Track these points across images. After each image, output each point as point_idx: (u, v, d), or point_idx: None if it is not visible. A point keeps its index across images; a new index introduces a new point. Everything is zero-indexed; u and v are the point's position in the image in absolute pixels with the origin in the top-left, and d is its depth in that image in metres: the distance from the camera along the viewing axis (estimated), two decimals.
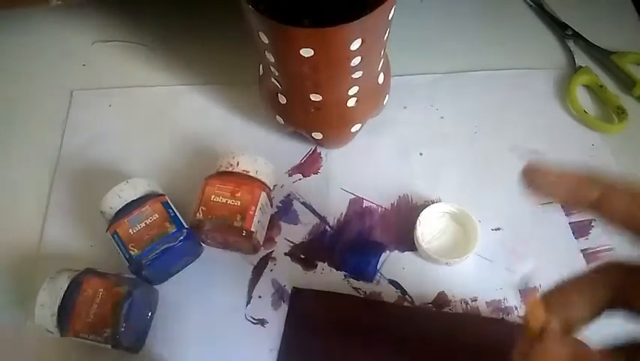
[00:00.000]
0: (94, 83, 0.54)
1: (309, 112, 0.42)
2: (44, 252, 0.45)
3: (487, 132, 0.49)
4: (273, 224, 0.45)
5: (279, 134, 0.49)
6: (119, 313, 0.37)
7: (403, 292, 0.42)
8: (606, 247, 0.43)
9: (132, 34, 0.57)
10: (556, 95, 0.51)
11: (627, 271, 0.21)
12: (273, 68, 0.39)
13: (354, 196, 0.46)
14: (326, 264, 0.43)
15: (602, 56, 0.52)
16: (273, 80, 0.42)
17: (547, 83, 0.52)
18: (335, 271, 0.43)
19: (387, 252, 0.44)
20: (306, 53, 0.35)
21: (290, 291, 0.42)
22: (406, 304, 0.42)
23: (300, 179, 0.47)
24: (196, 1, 0.58)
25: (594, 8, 0.56)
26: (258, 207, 0.40)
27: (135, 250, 0.38)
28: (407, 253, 0.43)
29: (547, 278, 0.42)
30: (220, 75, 0.53)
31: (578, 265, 0.42)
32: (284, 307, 0.42)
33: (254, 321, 0.41)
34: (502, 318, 0.40)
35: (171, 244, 0.39)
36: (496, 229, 0.44)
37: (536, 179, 0.23)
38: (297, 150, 0.49)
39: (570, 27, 0.54)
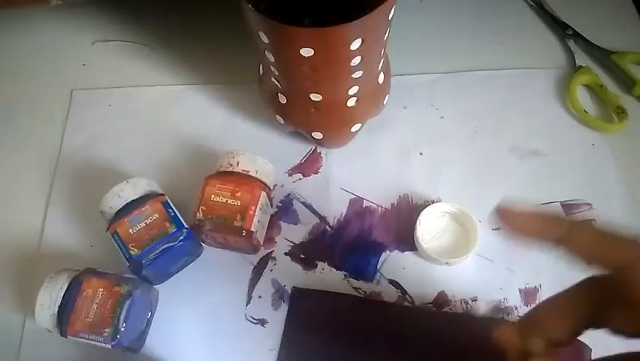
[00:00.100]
0: (94, 83, 0.54)
1: (309, 112, 0.42)
2: (44, 252, 0.45)
3: (487, 132, 0.49)
4: (273, 224, 0.45)
5: (279, 134, 0.49)
6: (119, 313, 0.37)
7: (403, 292, 0.42)
8: None
9: (132, 34, 0.57)
10: (557, 95, 0.51)
11: (602, 284, 0.22)
12: (273, 68, 0.39)
13: (354, 196, 0.46)
14: (326, 264, 0.43)
15: (602, 56, 0.52)
16: (273, 79, 0.42)
17: (547, 83, 0.52)
18: (335, 271, 0.43)
19: (388, 252, 0.44)
20: (306, 52, 0.35)
21: (290, 291, 0.42)
22: (406, 304, 0.42)
23: (300, 179, 0.47)
24: (196, 1, 0.58)
25: (594, 8, 0.56)
26: (258, 207, 0.40)
27: (135, 250, 0.38)
28: (407, 253, 0.43)
29: (547, 278, 0.42)
30: (220, 75, 0.53)
31: (578, 265, 0.42)
32: (284, 307, 0.42)
33: (254, 321, 0.41)
34: (502, 318, 0.40)
35: (171, 244, 0.39)
36: (496, 229, 0.44)
37: (508, 219, 0.25)
38: (297, 150, 0.49)
39: (570, 27, 0.54)
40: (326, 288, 0.42)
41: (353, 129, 0.45)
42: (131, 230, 0.39)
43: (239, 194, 0.40)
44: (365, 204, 0.46)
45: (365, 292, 0.42)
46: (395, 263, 0.43)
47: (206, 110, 0.51)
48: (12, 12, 0.58)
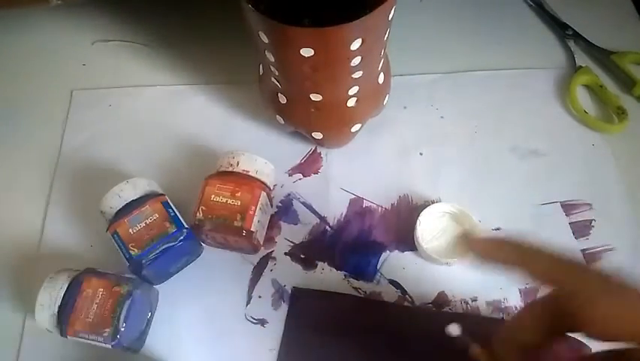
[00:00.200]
0: (94, 83, 0.54)
1: (309, 112, 0.42)
2: (44, 252, 0.45)
3: (487, 132, 0.49)
4: (273, 224, 0.45)
5: (279, 134, 0.49)
6: (119, 313, 0.37)
7: (403, 292, 0.42)
8: (606, 247, 0.43)
9: (132, 34, 0.57)
10: (557, 95, 0.51)
11: (555, 301, 0.25)
12: (273, 68, 0.39)
13: (354, 196, 0.46)
14: (326, 264, 0.43)
15: (602, 56, 0.52)
16: (273, 79, 0.42)
17: (547, 83, 0.52)
18: (335, 271, 0.43)
19: (388, 252, 0.44)
20: (306, 52, 0.35)
21: (290, 291, 0.42)
22: (406, 304, 0.42)
23: (300, 179, 0.47)
24: (196, 1, 0.58)
25: (594, 8, 0.56)
26: (258, 207, 0.40)
27: (135, 250, 0.38)
28: (407, 253, 0.43)
29: None
30: (220, 75, 0.53)
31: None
32: (284, 307, 0.42)
33: (254, 321, 0.41)
34: (502, 318, 0.40)
35: (171, 244, 0.39)
36: (496, 229, 0.44)
37: (473, 246, 0.28)
38: (297, 150, 0.49)
39: (570, 27, 0.54)
40: (326, 288, 0.42)
41: (353, 129, 0.45)
42: (131, 230, 0.39)
43: (239, 194, 0.40)
44: (365, 204, 0.46)
45: (365, 292, 0.42)
46: (395, 263, 0.43)
47: (206, 110, 0.51)
48: (12, 12, 0.58)
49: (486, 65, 0.53)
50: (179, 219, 0.40)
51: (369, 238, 0.44)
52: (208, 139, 0.50)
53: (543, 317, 0.25)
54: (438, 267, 0.43)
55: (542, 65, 0.53)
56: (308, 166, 0.48)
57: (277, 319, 0.41)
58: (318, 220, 0.45)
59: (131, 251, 0.38)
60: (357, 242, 0.44)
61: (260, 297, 0.42)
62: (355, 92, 0.41)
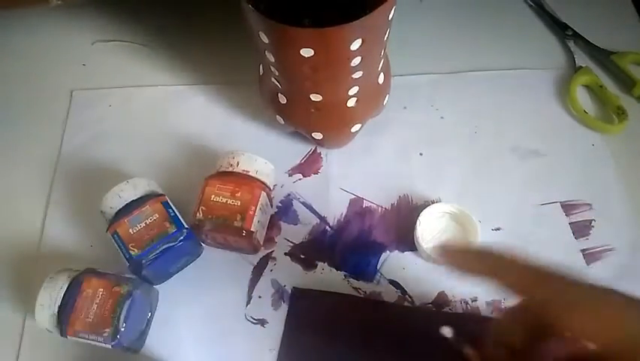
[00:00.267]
0: (94, 83, 0.54)
1: (309, 112, 0.42)
2: (44, 252, 0.45)
3: (487, 132, 0.49)
4: (273, 224, 0.45)
5: (279, 134, 0.49)
6: (119, 313, 0.37)
7: (403, 292, 0.42)
8: (606, 247, 0.43)
9: (132, 34, 0.57)
10: (557, 95, 0.51)
11: (526, 311, 0.27)
12: (273, 68, 0.39)
13: (354, 196, 0.46)
14: (326, 264, 0.43)
15: (602, 56, 0.52)
16: (273, 80, 0.42)
17: (547, 83, 0.52)
18: (335, 271, 0.43)
19: (388, 252, 0.44)
20: (306, 53, 0.35)
21: (290, 291, 0.42)
22: (406, 304, 0.42)
23: (300, 179, 0.47)
24: (196, 1, 0.58)
25: (594, 8, 0.56)
26: (258, 207, 0.40)
27: (135, 250, 0.38)
28: (407, 253, 0.43)
29: None
30: (220, 75, 0.53)
31: (578, 265, 0.42)
32: (284, 307, 0.42)
33: (254, 321, 0.41)
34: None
35: (171, 244, 0.39)
36: (496, 229, 0.44)
37: (448, 257, 0.29)
38: (297, 150, 0.49)
39: (570, 27, 0.54)
40: (326, 288, 0.42)
41: (353, 130, 0.45)
42: (131, 230, 0.39)
43: (239, 194, 0.41)
44: (365, 204, 0.46)
45: (365, 292, 0.42)
46: (395, 263, 0.43)
47: (206, 110, 0.51)
48: (12, 12, 0.58)
49: (486, 65, 0.53)
50: (179, 219, 0.40)
51: (369, 238, 0.44)
52: (208, 139, 0.50)
53: (519, 324, 0.27)
54: (438, 267, 0.43)
55: (542, 65, 0.53)
56: (308, 166, 0.48)
57: (277, 319, 0.41)
58: (318, 220, 0.45)
59: (131, 251, 0.38)
60: (357, 242, 0.44)
61: (260, 297, 0.42)
62: (355, 92, 0.41)
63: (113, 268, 0.40)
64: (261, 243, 0.43)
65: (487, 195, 0.46)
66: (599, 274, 0.42)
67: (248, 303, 0.42)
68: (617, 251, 0.43)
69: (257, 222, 0.41)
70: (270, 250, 0.44)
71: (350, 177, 0.47)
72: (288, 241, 0.44)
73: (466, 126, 0.50)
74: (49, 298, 0.37)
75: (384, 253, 0.44)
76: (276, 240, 0.44)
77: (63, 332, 0.37)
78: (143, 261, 0.38)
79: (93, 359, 0.40)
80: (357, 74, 0.39)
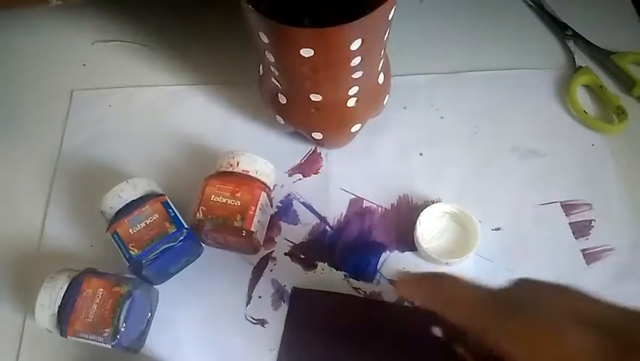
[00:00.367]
0: (94, 83, 0.54)
1: (309, 112, 0.42)
2: (44, 252, 0.45)
3: (487, 132, 0.49)
4: (273, 224, 0.45)
5: (279, 134, 0.49)
6: (119, 313, 0.37)
7: None
8: (606, 247, 0.43)
9: (132, 34, 0.57)
10: (557, 95, 0.51)
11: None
12: (273, 68, 0.39)
13: (354, 196, 0.46)
14: (326, 264, 0.43)
15: (602, 56, 0.52)
16: (273, 80, 0.42)
17: (547, 83, 0.52)
18: (335, 271, 0.43)
19: (387, 252, 0.44)
20: (306, 53, 0.35)
21: (290, 291, 0.42)
22: (405, 304, 0.42)
23: (300, 179, 0.47)
24: (196, 1, 0.58)
25: (594, 8, 0.56)
26: (258, 207, 0.40)
27: (135, 250, 0.38)
28: (407, 253, 0.43)
29: (547, 278, 0.42)
30: (220, 75, 0.53)
31: (578, 265, 0.42)
32: (284, 307, 0.42)
33: (254, 321, 0.41)
34: None
35: (171, 244, 0.39)
36: (496, 229, 0.44)
37: (399, 288, 0.32)
38: (297, 150, 0.49)
39: (570, 27, 0.54)
40: (326, 288, 0.42)
41: (353, 130, 0.45)
42: (131, 230, 0.39)
43: (239, 194, 0.41)
44: (365, 204, 0.46)
45: (365, 292, 0.42)
46: (395, 263, 0.43)
47: (207, 111, 0.51)
48: (12, 12, 0.58)
49: (486, 65, 0.53)
50: (179, 219, 0.40)
51: (369, 238, 0.44)
52: (208, 139, 0.50)
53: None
54: (438, 267, 0.42)
55: (542, 65, 0.53)
56: (308, 166, 0.48)
57: (277, 319, 0.41)
58: (318, 220, 0.45)
59: (131, 251, 0.38)
60: (357, 242, 0.44)
61: (260, 297, 0.42)
62: (355, 92, 0.41)
63: (113, 268, 0.40)
64: (261, 243, 0.43)
65: (487, 195, 0.46)
66: (599, 274, 0.42)
67: (248, 303, 0.42)
68: (617, 251, 0.43)
69: (257, 223, 0.41)
70: (270, 250, 0.44)
71: (350, 177, 0.47)
72: (288, 241, 0.44)
73: (466, 126, 0.50)
74: (49, 298, 0.37)
75: (384, 253, 0.44)
76: (276, 240, 0.44)
77: (63, 332, 0.37)
78: (143, 261, 0.38)
79: (93, 359, 0.40)
80: (357, 74, 0.39)
